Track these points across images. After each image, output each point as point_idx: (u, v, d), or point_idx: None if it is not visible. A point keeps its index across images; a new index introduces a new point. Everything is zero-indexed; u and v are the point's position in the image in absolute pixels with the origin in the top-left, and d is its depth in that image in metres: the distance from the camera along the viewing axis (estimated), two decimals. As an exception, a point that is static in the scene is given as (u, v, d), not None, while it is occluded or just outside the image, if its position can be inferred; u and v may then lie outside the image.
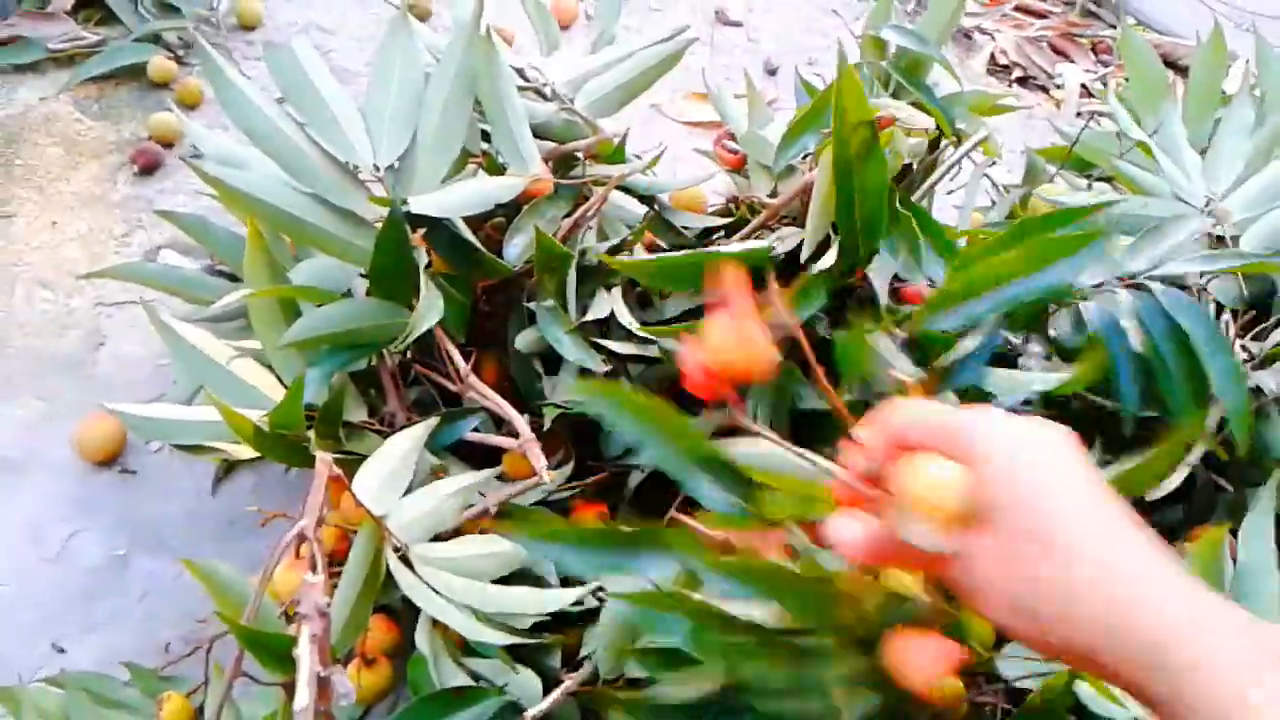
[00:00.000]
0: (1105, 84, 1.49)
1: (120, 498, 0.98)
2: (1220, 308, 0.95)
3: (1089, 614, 0.38)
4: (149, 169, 1.35)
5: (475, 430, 0.80)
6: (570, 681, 0.66)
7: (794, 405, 0.84)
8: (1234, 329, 0.92)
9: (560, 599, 0.64)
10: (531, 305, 0.84)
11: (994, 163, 1.10)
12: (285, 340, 0.74)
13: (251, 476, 0.96)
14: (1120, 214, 0.97)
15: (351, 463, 0.73)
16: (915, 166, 0.99)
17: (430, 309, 0.72)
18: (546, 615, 0.66)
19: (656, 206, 0.94)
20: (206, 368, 0.85)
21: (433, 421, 0.72)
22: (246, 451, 0.79)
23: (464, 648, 0.72)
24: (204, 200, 1.23)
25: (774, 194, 0.96)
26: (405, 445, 0.67)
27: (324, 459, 0.57)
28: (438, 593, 0.60)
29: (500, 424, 0.82)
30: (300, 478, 0.96)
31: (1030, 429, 0.42)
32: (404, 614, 0.79)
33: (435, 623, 0.73)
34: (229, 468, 0.94)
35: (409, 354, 0.88)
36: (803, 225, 0.87)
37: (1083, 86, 1.49)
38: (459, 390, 0.82)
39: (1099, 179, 1.13)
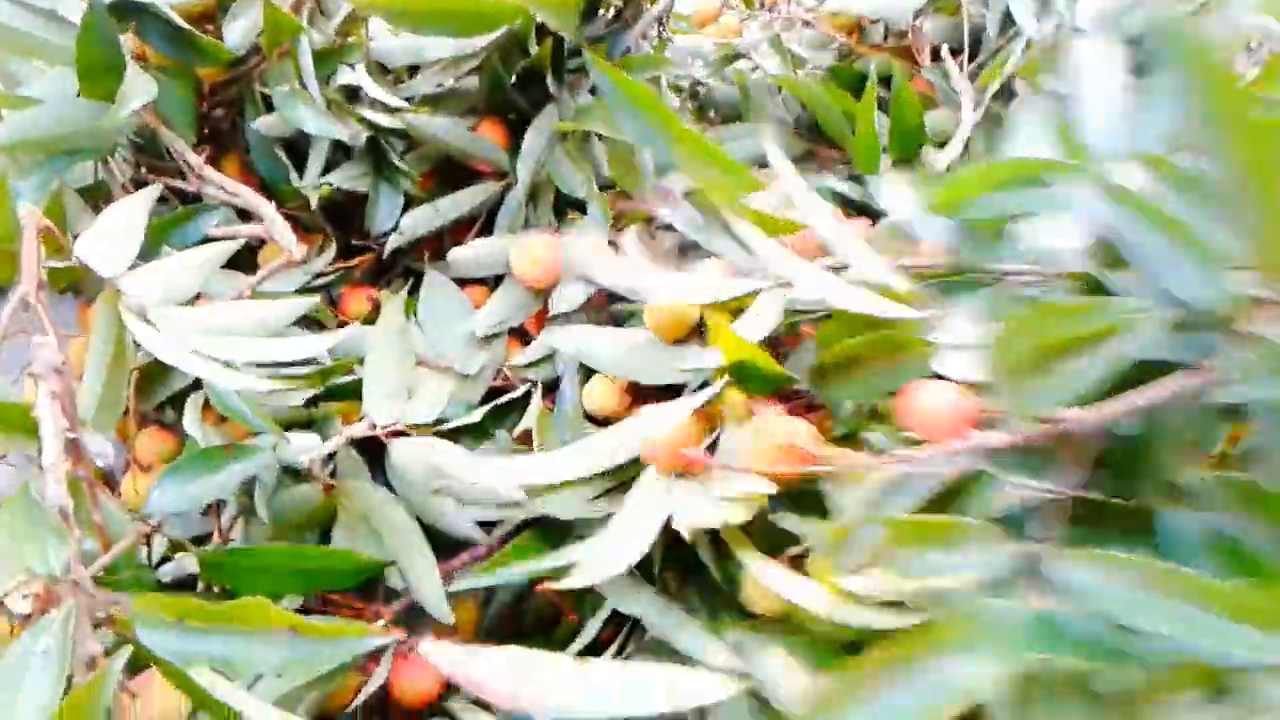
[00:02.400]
0: None
1: None
2: (936, 50, 1.03)
3: None
4: None
5: (219, 226, 0.78)
6: (348, 430, 0.66)
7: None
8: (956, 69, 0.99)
9: (319, 345, 0.64)
10: (268, 91, 0.81)
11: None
12: (-12, 145, 0.69)
13: None
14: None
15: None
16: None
17: (135, 91, 0.68)
18: (312, 370, 0.66)
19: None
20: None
21: (156, 189, 0.69)
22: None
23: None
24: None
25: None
26: (127, 212, 0.64)
27: (29, 210, 0.54)
28: (191, 352, 0.58)
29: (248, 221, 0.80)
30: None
31: None
32: (178, 425, 0.77)
33: (205, 411, 0.71)
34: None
35: (142, 168, 0.83)
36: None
37: None
38: (199, 190, 0.78)
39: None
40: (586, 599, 0.66)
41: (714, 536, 0.60)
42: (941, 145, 0.97)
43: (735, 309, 0.64)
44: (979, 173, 0.57)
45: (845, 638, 0.49)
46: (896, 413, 0.51)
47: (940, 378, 0.51)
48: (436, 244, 0.87)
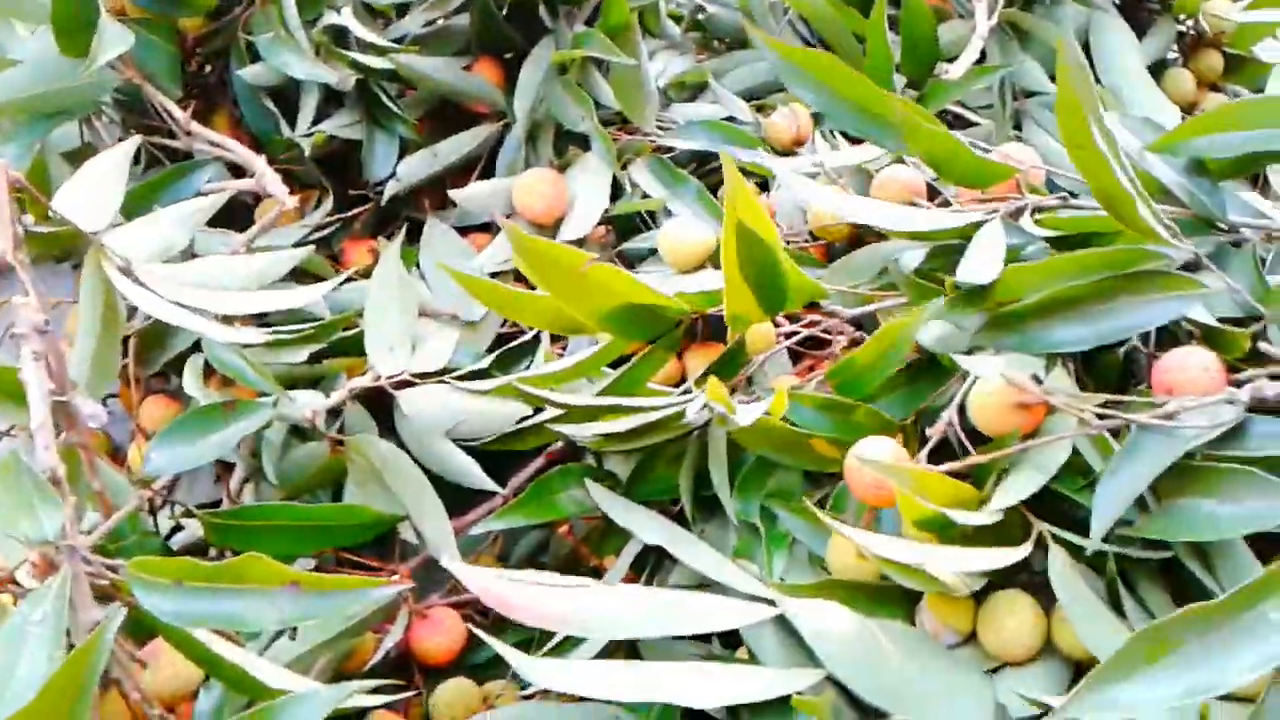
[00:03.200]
0: None
1: None
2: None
3: None
4: None
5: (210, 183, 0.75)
6: (352, 383, 0.64)
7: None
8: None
9: (313, 294, 0.61)
10: (253, 40, 0.78)
11: None
12: (-34, 110, 0.66)
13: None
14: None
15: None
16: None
17: (111, 43, 0.66)
18: (312, 325, 0.64)
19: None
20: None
21: (135, 141, 0.66)
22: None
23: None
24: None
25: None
26: (106, 166, 0.62)
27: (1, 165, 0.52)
28: (181, 305, 0.56)
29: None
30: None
31: None
32: (183, 393, 0.75)
33: (207, 374, 0.69)
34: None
35: (130, 128, 0.81)
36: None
37: None
38: (186, 146, 0.76)
39: None
40: (609, 543, 0.64)
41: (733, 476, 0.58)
42: (953, 60, 0.93)
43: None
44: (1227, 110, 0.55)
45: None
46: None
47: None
48: (437, 193, 0.84)
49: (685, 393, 0.61)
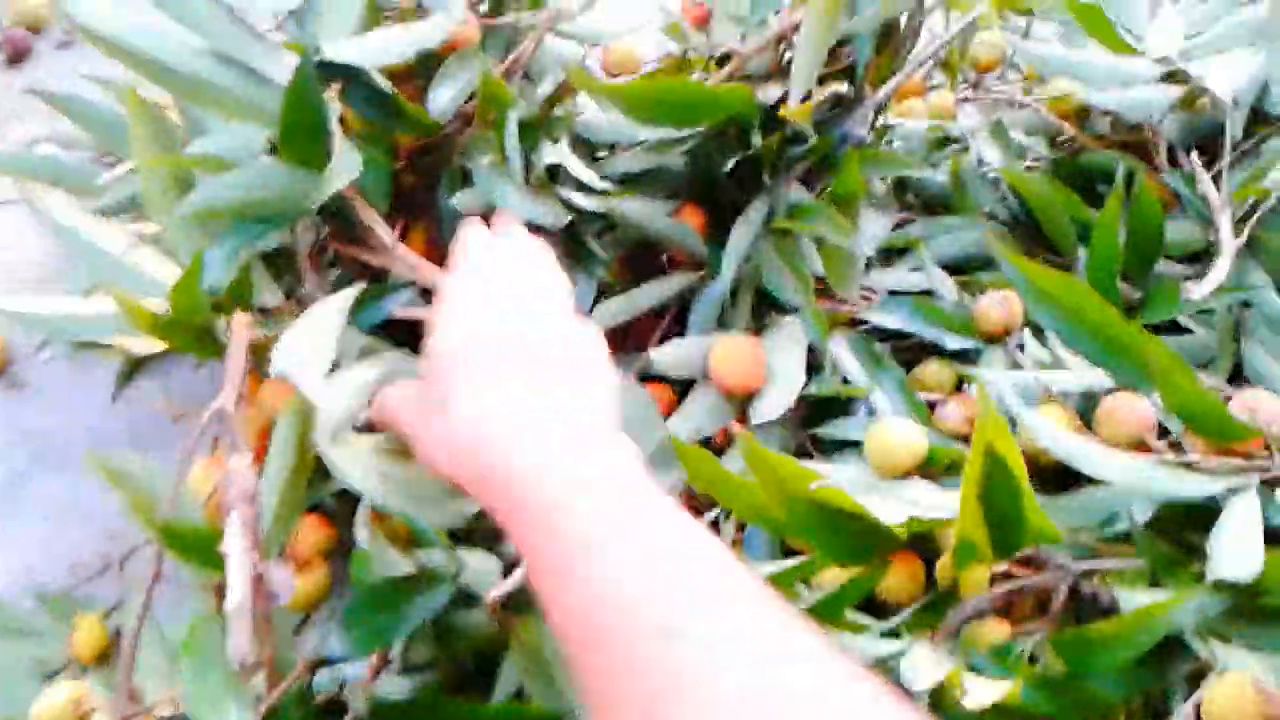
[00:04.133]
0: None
1: (12, 413, 0.88)
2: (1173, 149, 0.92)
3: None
4: (18, 58, 1.21)
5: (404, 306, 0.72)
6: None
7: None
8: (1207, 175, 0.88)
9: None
10: (467, 163, 0.76)
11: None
12: (182, 211, 0.65)
13: (156, 382, 0.86)
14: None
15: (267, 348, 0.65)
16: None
17: (346, 166, 0.64)
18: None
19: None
20: (101, 260, 0.75)
21: (354, 290, 0.64)
22: (147, 346, 0.71)
23: (409, 542, 0.66)
24: (83, 85, 1.10)
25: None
26: (327, 316, 0.59)
27: (241, 320, 0.49)
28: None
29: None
30: (209, 379, 0.87)
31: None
32: (338, 513, 0.72)
33: (376, 516, 0.66)
34: (131, 372, 0.84)
35: (325, 234, 0.79)
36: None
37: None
38: (384, 264, 0.73)
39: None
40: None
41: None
42: (1179, 259, 0.87)
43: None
44: None
45: None
46: None
47: None
48: (619, 335, 0.81)
49: (894, 635, 0.56)
